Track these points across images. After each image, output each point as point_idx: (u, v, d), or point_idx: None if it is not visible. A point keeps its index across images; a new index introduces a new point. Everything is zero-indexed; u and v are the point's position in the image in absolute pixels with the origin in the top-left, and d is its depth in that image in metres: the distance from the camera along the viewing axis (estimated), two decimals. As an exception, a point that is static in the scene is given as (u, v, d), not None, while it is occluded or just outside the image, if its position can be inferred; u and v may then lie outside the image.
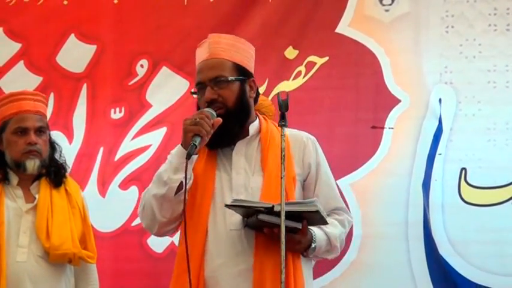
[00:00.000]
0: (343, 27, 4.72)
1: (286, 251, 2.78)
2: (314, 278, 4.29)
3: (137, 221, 4.81)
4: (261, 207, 2.79)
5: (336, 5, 4.75)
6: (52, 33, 4.99)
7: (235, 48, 3.03)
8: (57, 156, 3.64)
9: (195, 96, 3.04)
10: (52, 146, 3.62)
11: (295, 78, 4.76)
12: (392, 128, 4.59)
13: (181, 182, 2.85)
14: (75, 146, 4.95)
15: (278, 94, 2.89)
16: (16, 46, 4.99)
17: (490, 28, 4.59)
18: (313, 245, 2.90)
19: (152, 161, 4.87)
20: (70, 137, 4.97)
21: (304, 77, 4.73)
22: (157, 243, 4.78)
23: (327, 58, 4.73)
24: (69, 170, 3.70)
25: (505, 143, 4.50)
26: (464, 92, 4.58)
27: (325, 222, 2.91)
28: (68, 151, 4.88)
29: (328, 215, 2.98)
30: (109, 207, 4.82)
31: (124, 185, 4.88)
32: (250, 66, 3.06)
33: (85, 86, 4.99)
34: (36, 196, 3.50)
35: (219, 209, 2.92)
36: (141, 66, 4.98)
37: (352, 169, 4.58)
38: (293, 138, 3.02)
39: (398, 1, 4.67)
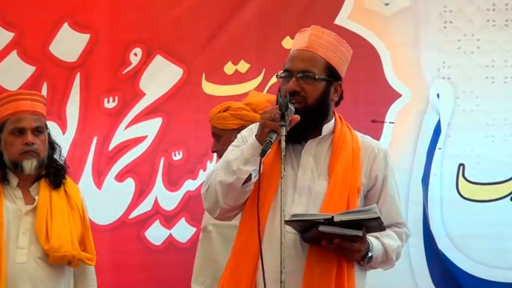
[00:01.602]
0: (342, 19, 4.71)
1: (340, 259, 2.78)
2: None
3: (134, 213, 4.82)
4: (321, 219, 2.73)
5: (335, -4, 4.74)
6: (45, 22, 4.90)
7: (334, 48, 2.96)
8: (56, 156, 3.60)
9: (279, 79, 2.95)
10: (52, 146, 3.59)
11: (293, 69, 4.73)
12: (393, 123, 4.60)
13: (250, 174, 2.80)
14: (68, 136, 4.90)
15: (278, 93, 2.86)
16: (9, 35, 4.90)
17: (488, 23, 4.60)
18: (370, 254, 2.85)
19: (148, 153, 4.84)
20: (63, 127, 4.91)
21: (302, 68, 4.71)
22: (155, 236, 4.77)
23: (325, 49, 4.71)
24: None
25: (504, 138, 4.54)
26: (462, 87, 4.60)
27: (384, 229, 2.86)
28: (62, 141, 4.84)
29: (388, 228, 2.94)
30: (105, 200, 4.78)
31: (120, 177, 4.85)
32: (343, 69, 3.00)
33: (78, 75, 4.92)
34: (36, 198, 3.48)
35: (278, 207, 2.83)
36: (135, 54, 4.92)
37: (352, 164, 4.59)
38: (364, 146, 2.97)
39: (398, -5, 4.68)
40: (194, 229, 4.64)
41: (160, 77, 4.91)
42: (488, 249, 4.46)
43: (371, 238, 2.87)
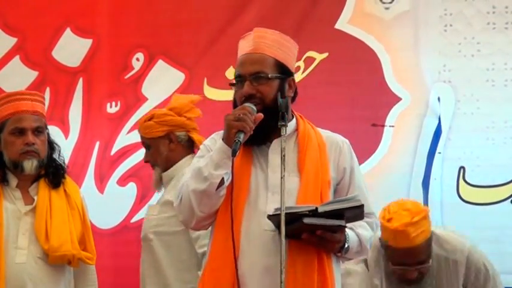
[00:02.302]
0: (343, 24, 4.72)
1: (320, 252, 2.80)
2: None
3: (136, 217, 4.84)
4: (306, 211, 2.75)
5: (335, 0, 4.74)
6: (47, 27, 4.96)
7: (280, 45, 2.98)
8: (55, 156, 3.61)
9: (232, 87, 2.98)
10: (51, 145, 3.59)
11: (293, 73, 4.75)
12: (393, 126, 4.61)
13: (222, 178, 2.82)
14: (71, 141, 4.95)
15: (278, 94, 2.88)
16: (12, 41, 4.96)
17: (488, 26, 4.60)
18: (346, 245, 2.88)
19: (149, 159, 4.85)
20: (66, 131, 4.95)
21: (303, 72, 4.73)
22: (157, 240, 4.79)
23: (326, 54, 4.72)
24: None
25: (504, 141, 4.53)
26: (462, 91, 4.60)
27: (363, 217, 2.89)
28: (65, 146, 4.89)
29: None
30: (108, 204, 4.82)
31: (122, 181, 4.88)
32: (292, 64, 3.03)
33: (81, 80, 4.97)
34: (35, 198, 3.49)
35: (253, 207, 2.88)
36: (137, 59, 4.96)
37: (353, 167, 4.59)
38: (329, 141, 2.99)
39: (398, -1, 4.69)
40: (195, 233, 4.64)
41: (162, 81, 4.94)
42: (488, 252, 4.41)
43: (346, 229, 2.89)
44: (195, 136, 3.95)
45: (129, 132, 4.94)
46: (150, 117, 3.95)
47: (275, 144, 2.94)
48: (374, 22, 4.69)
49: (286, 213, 2.78)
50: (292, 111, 3.03)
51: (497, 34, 4.60)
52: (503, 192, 4.51)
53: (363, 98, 4.67)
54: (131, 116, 4.94)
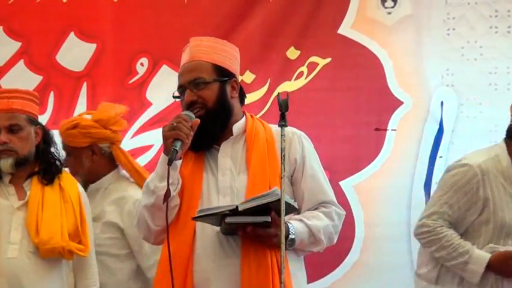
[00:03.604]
0: (345, 29, 4.73)
1: (267, 247, 2.81)
2: (315, 280, 4.41)
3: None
4: (226, 210, 2.78)
5: (338, 6, 4.74)
6: (52, 32, 4.97)
7: (215, 50, 3.04)
8: (53, 150, 3.63)
9: (178, 100, 3.05)
10: (45, 141, 3.60)
11: (297, 78, 4.77)
12: (394, 130, 4.61)
13: (170, 189, 2.84)
14: (75, 146, 4.94)
15: (278, 94, 2.89)
16: (16, 45, 4.98)
17: (491, 30, 4.60)
18: (291, 236, 2.88)
19: (154, 162, 4.76)
20: (70, 136, 4.96)
21: (306, 77, 4.74)
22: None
23: (329, 59, 4.73)
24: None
25: (506, 144, 4.53)
26: (465, 94, 4.60)
27: (295, 209, 2.90)
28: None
29: (315, 209, 2.99)
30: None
31: (126, 185, 4.87)
32: (233, 67, 3.08)
33: (85, 84, 4.98)
34: (28, 192, 3.51)
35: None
36: (141, 64, 4.97)
37: (355, 171, 4.60)
38: (278, 135, 2.97)
39: (401, 3, 4.68)
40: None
41: (166, 86, 4.94)
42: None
43: (293, 222, 2.91)
44: (114, 151, 3.96)
45: (133, 136, 4.94)
46: (74, 125, 3.94)
47: (224, 147, 3.00)
48: (376, 27, 4.70)
49: (207, 214, 2.81)
50: (243, 111, 3.10)
51: (500, 38, 4.60)
52: (506, 195, 4.50)
53: (366, 103, 4.67)
54: (135, 121, 4.95)
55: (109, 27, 4.98)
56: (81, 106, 4.96)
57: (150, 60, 4.95)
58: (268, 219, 2.80)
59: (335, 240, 3.06)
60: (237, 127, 3.03)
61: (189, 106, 2.97)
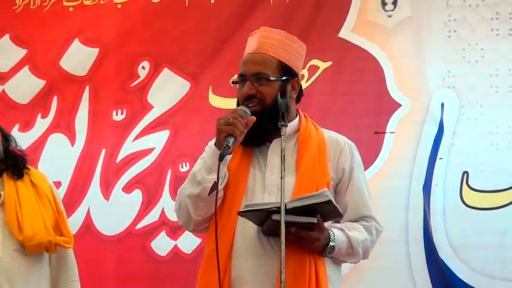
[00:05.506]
0: (346, 32, 4.72)
1: (307, 252, 2.78)
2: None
3: (141, 224, 4.85)
4: (274, 207, 2.74)
5: (339, 9, 4.74)
6: (57, 39, 5.01)
7: (285, 46, 2.96)
8: (13, 146, 3.59)
9: (235, 85, 2.97)
10: (5, 138, 3.58)
11: (298, 81, 4.76)
12: (393, 133, 4.60)
13: (215, 182, 2.80)
14: (77, 148, 4.98)
15: (278, 94, 2.87)
16: (22, 52, 5.03)
17: (492, 33, 4.59)
18: (331, 244, 2.84)
19: (156, 165, 4.89)
20: (72, 139, 4.99)
21: (307, 81, 4.74)
22: (161, 247, 4.80)
23: (330, 62, 4.73)
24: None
25: (507, 146, 4.51)
26: (466, 97, 4.58)
27: (340, 214, 2.86)
28: (71, 153, 4.97)
29: (355, 221, 2.96)
30: (113, 211, 4.84)
31: (128, 188, 4.89)
32: (297, 65, 3.00)
33: (87, 88, 5.00)
34: (1, 193, 3.49)
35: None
36: (143, 68, 4.99)
37: (355, 174, 4.59)
38: (330, 141, 2.98)
39: (401, 6, 4.66)
40: (199, 240, 4.63)
41: (167, 90, 4.97)
42: (491, 259, 4.40)
43: (334, 230, 2.88)
44: None
45: (134, 139, 4.96)
46: None
47: (275, 145, 2.94)
48: (377, 30, 4.69)
49: (252, 210, 2.78)
50: (297, 110, 3.03)
51: (501, 40, 4.58)
52: (507, 197, 4.47)
53: (367, 106, 4.66)
54: (137, 124, 4.97)
55: (111, 32, 5.01)
56: (83, 109, 4.99)
57: (152, 63, 4.98)
58: (315, 220, 2.77)
59: (369, 256, 3.04)
60: (291, 126, 2.96)
61: (246, 99, 2.89)
